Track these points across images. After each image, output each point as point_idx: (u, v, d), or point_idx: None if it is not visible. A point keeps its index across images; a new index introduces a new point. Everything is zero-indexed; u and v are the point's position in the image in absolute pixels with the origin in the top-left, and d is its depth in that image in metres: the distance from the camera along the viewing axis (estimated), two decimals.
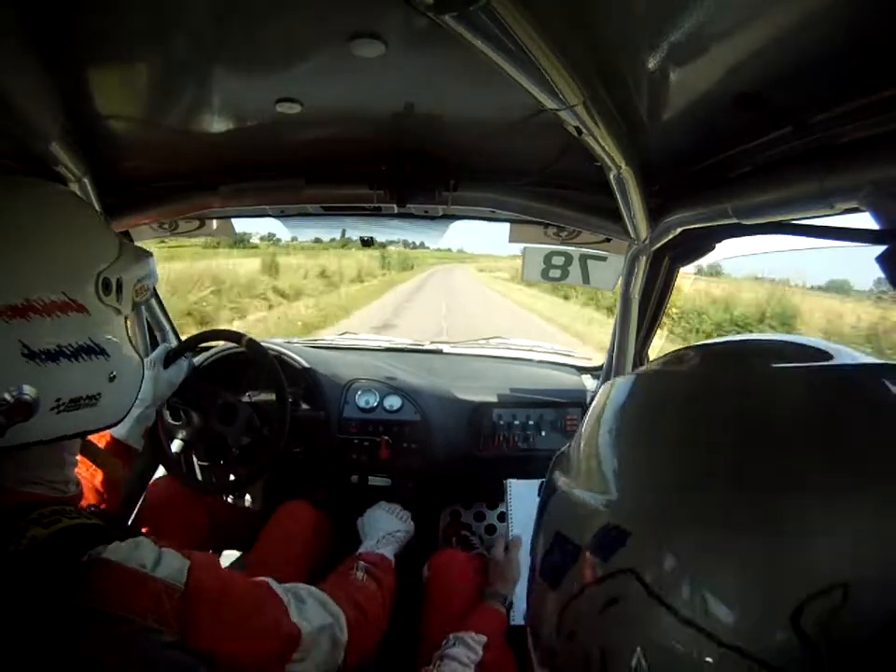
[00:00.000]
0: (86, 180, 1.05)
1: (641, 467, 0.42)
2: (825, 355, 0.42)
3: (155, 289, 1.65)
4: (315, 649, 0.73)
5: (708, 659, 0.33)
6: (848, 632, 0.30)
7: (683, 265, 1.29)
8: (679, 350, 0.51)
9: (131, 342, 0.73)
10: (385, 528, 1.19)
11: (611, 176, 0.91)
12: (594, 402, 0.51)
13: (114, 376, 0.68)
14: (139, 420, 1.13)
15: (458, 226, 1.49)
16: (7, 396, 0.56)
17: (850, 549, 0.32)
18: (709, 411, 0.41)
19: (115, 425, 0.71)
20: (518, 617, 1.11)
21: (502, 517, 1.64)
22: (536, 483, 1.28)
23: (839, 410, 0.37)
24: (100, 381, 0.67)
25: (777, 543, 0.33)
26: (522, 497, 1.28)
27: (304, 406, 1.49)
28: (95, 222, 0.72)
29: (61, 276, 0.63)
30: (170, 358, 1.27)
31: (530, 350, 1.95)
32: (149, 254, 0.79)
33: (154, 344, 1.68)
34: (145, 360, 1.18)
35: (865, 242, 0.61)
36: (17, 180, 0.69)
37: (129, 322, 0.74)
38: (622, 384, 0.49)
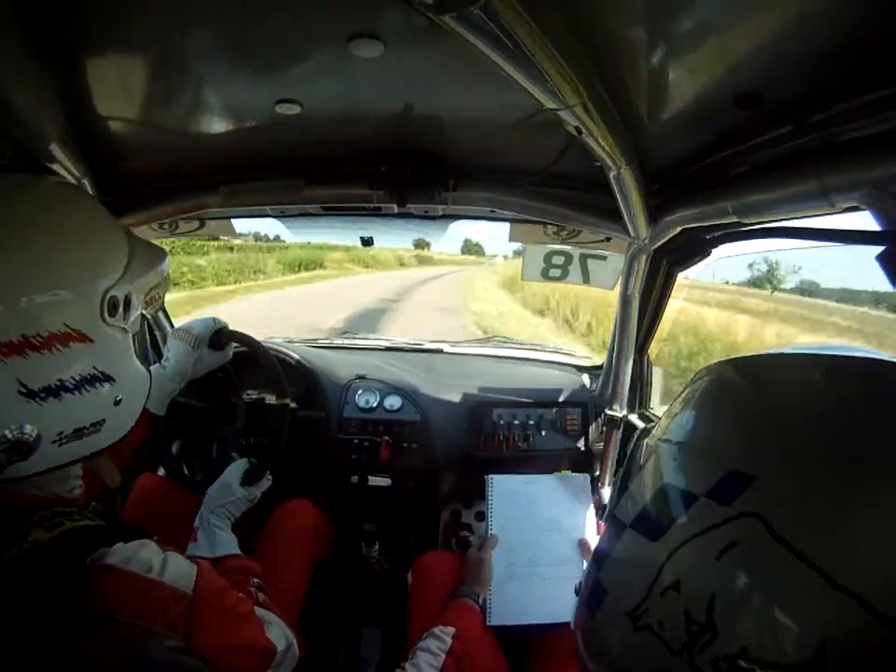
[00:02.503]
0: (86, 181, 1.05)
1: (770, 421, 0.43)
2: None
3: None
4: (282, 665, 0.76)
5: (822, 603, 0.33)
6: None
7: (681, 270, 1.29)
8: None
9: (136, 352, 0.68)
10: (238, 503, 1.08)
11: (611, 176, 0.91)
12: (694, 383, 0.52)
13: (119, 400, 0.64)
14: (169, 393, 1.12)
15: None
16: (7, 434, 0.53)
17: None
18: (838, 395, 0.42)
19: (118, 443, 0.68)
20: (494, 618, 1.11)
21: None
22: (518, 478, 1.30)
23: None
24: (104, 408, 0.63)
25: None
26: (503, 493, 1.28)
27: (304, 406, 1.49)
28: (102, 227, 0.65)
29: (61, 307, 0.57)
30: (218, 340, 1.21)
31: (530, 349, 1.96)
32: (164, 254, 0.72)
33: (154, 344, 1.68)
34: (189, 335, 1.13)
35: (866, 243, 0.61)
36: (17, 179, 0.63)
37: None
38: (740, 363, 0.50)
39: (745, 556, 0.37)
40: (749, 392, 0.48)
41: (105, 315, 0.61)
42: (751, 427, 0.44)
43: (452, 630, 0.96)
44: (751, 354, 0.52)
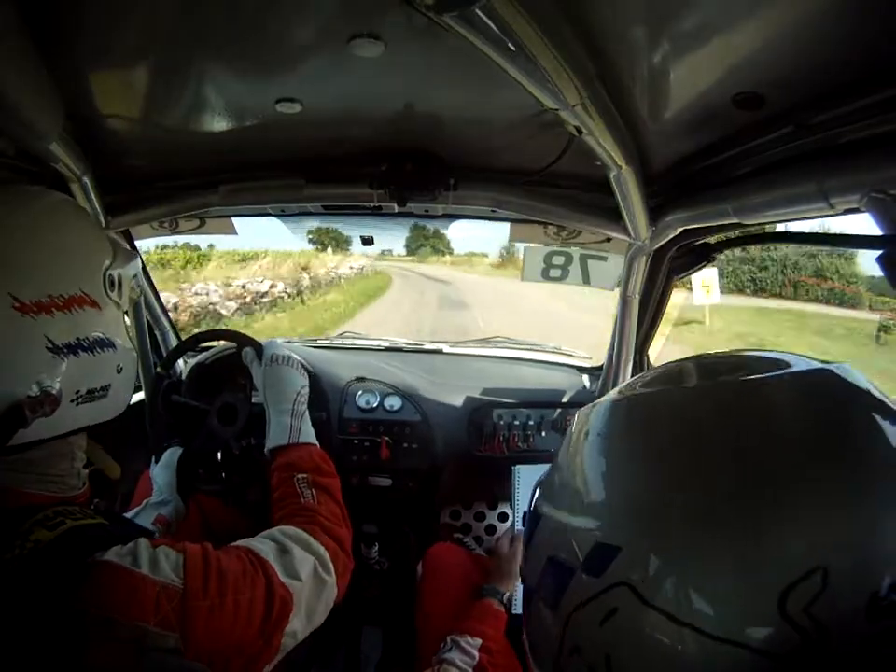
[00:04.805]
0: (86, 179, 1.05)
1: (623, 489, 0.44)
2: (783, 363, 0.45)
3: (155, 289, 1.67)
4: (302, 600, 0.71)
5: (707, 654, 0.35)
6: (832, 614, 0.33)
7: (681, 276, 1.28)
8: (655, 371, 0.54)
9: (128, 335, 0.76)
10: (292, 389, 1.01)
11: (611, 176, 0.91)
12: (572, 428, 0.54)
13: (121, 368, 0.71)
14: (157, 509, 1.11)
15: None
16: (34, 388, 0.59)
17: (825, 536, 0.35)
18: (679, 429, 0.44)
19: (117, 414, 0.73)
20: (521, 606, 1.09)
21: (503, 517, 1.64)
22: (544, 467, 1.27)
23: (800, 412, 0.41)
24: (110, 372, 0.70)
25: (755, 537, 0.36)
26: (530, 483, 1.26)
27: None
28: (95, 225, 0.77)
29: (77, 274, 0.66)
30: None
31: (530, 350, 1.95)
32: (137, 254, 0.83)
33: (154, 343, 1.68)
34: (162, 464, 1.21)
35: (866, 247, 0.61)
36: (25, 189, 0.73)
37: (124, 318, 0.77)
38: (600, 409, 0.51)
39: (625, 622, 0.39)
40: (602, 448, 0.49)
41: (107, 288, 0.70)
42: (610, 496, 0.45)
43: (479, 642, 0.93)
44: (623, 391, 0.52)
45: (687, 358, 0.54)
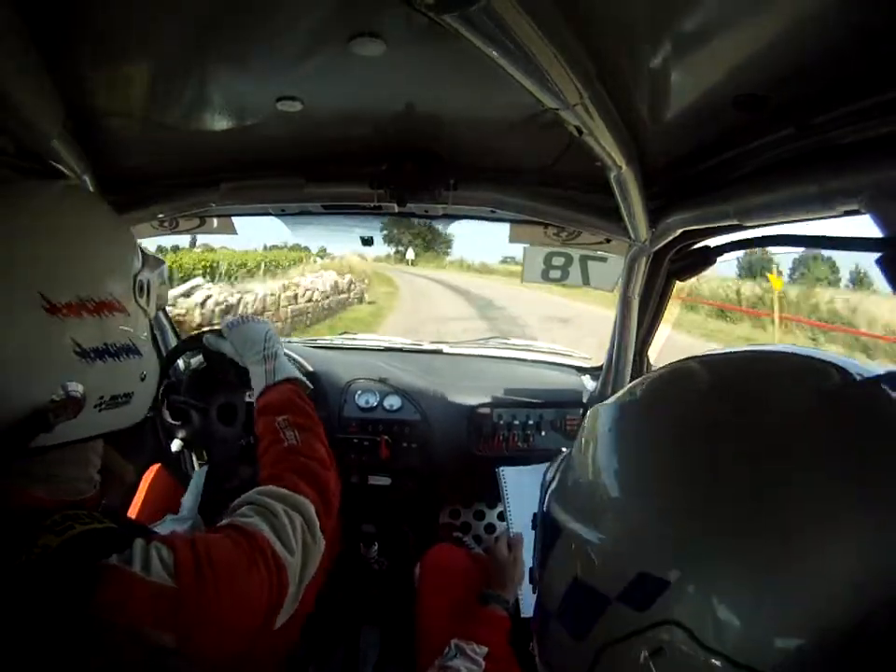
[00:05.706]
0: (87, 178, 1.05)
1: (666, 508, 0.39)
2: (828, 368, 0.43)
3: None
4: (296, 573, 0.70)
5: None
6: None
7: (681, 279, 1.28)
8: (678, 364, 0.50)
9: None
10: (258, 336, 1.01)
11: (611, 177, 0.91)
12: (588, 430, 0.49)
13: (144, 375, 0.70)
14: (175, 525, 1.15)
15: None
16: (59, 392, 0.58)
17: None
18: (720, 441, 0.40)
19: (137, 423, 0.72)
20: (527, 609, 1.08)
21: (502, 516, 1.64)
22: (529, 469, 1.27)
23: (837, 427, 0.39)
24: (134, 380, 0.69)
25: (808, 569, 0.34)
26: (517, 486, 1.24)
27: None
28: (127, 230, 0.76)
29: (108, 278, 0.65)
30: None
31: (530, 350, 1.95)
32: (163, 261, 0.81)
33: (154, 343, 1.68)
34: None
35: (867, 249, 0.60)
36: (58, 187, 0.71)
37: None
38: (618, 411, 0.47)
39: (676, 661, 0.36)
40: (647, 463, 0.42)
41: (136, 294, 0.69)
42: (653, 518, 0.39)
43: (485, 650, 0.90)
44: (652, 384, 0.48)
45: (697, 360, 0.49)
